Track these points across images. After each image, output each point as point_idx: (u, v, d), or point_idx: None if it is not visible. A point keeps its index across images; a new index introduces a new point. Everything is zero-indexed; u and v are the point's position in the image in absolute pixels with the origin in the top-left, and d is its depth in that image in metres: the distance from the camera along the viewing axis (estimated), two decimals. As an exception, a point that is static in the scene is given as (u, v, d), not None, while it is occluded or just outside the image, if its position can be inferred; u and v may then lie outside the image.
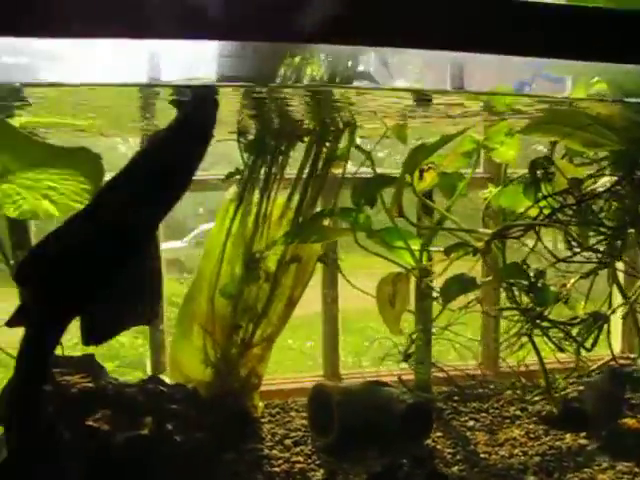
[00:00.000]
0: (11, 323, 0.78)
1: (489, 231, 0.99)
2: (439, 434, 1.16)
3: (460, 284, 0.94)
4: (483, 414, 1.24)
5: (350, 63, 0.86)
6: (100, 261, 0.74)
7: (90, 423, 0.91)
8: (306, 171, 1.10)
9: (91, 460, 0.86)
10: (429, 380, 1.29)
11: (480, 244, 0.96)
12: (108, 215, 0.74)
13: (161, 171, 0.76)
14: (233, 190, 1.10)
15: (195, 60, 0.79)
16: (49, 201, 0.80)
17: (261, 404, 1.21)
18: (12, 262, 1.11)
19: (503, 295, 1.24)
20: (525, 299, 1.12)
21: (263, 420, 1.20)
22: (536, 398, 1.23)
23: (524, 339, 1.18)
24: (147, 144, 0.77)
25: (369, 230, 0.99)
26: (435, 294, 1.00)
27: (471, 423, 1.21)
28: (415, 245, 1.00)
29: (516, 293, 1.11)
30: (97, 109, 0.92)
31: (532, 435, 1.14)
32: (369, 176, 1.12)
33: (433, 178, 1.05)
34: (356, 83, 0.99)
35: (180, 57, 0.78)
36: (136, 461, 0.89)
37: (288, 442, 1.13)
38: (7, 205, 0.82)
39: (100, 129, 1.00)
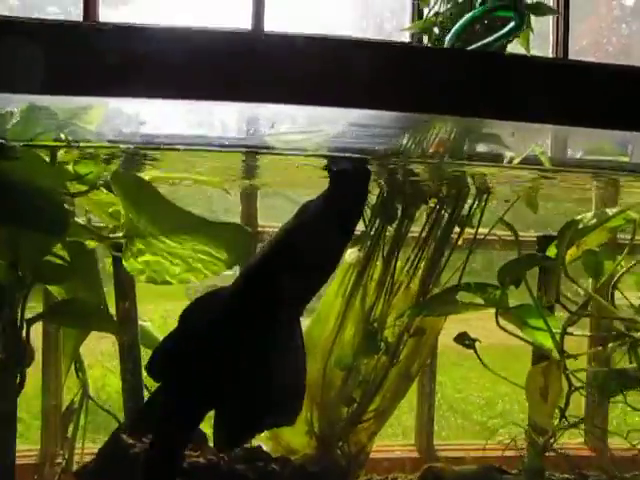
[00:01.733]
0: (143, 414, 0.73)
1: (645, 320, 0.90)
2: (559, 530, 1.06)
3: (621, 379, 0.85)
4: (604, 510, 1.13)
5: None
6: (238, 351, 0.68)
7: (204, 505, 0.84)
8: (429, 237, 1.03)
9: None
10: (542, 464, 1.19)
11: None
12: (250, 298, 0.68)
13: (312, 247, 0.70)
14: (352, 253, 1.04)
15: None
16: (186, 268, 0.74)
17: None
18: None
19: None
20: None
21: (366, 499, 1.12)
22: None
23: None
24: (298, 217, 0.71)
25: (506, 307, 0.92)
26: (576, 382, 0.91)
27: (592, 520, 1.10)
28: (555, 327, 0.91)
29: None
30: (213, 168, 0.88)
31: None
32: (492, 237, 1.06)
33: (573, 254, 0.96)
34: (482, 146, 0.94)
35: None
36: None
37: (395, 528, 1.04)
38: (137, 268, 0.77)
39: (221, 184, 0.96)
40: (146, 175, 0.86)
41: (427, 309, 0.95)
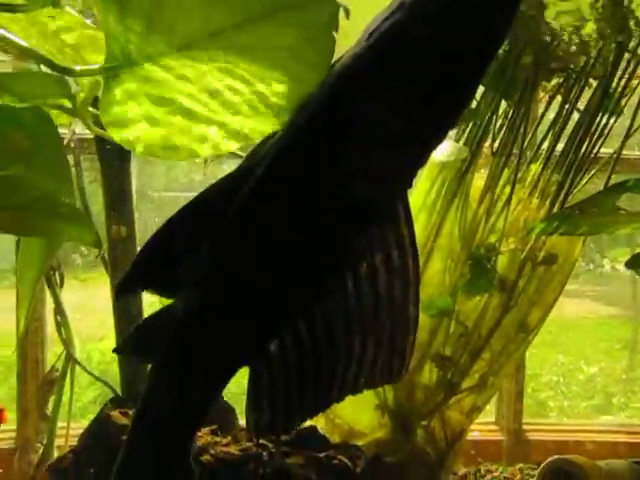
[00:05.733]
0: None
1: None
2: None
3: None
4: None
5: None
6: (281, 284, 0.36)
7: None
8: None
9: None
10: None
11: None
12: (304, 190, 0.35)
13: (421, 82, 0.35)
14: (447, 149, 0.71)
15: None
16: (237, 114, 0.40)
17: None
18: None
19: None
20: None
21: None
22: None
23: None
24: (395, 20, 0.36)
25: None
26: None
27: None
28: None
29: None
30: None
31: None
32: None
33: None
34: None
35: None
36: None
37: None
38: (131, 122, 0.43)
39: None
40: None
41: (569, 223, 0.62)
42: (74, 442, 0.85)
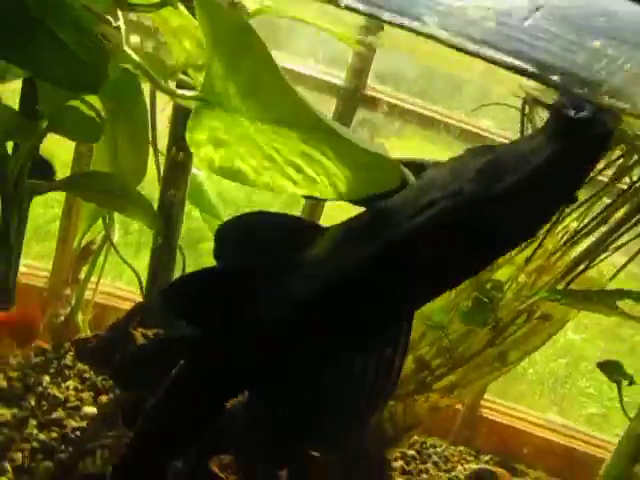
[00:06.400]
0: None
1: None
2: None
3: None
4: None
5: None
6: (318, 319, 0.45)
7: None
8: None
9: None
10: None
11: None
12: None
13: (501, 222, 0.44)
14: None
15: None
16: (281, 174, 0.47)
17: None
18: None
19: None
20: None
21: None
22: None
23: None
24: (484, 170, 0.43)
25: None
26: None
27: None
28: None
29: None
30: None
31: None
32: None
33: None
34: None
35: None
36: None
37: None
38: (204, 153, 0.49)
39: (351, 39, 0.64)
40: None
41: (571, 299, 0.68)
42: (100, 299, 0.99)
